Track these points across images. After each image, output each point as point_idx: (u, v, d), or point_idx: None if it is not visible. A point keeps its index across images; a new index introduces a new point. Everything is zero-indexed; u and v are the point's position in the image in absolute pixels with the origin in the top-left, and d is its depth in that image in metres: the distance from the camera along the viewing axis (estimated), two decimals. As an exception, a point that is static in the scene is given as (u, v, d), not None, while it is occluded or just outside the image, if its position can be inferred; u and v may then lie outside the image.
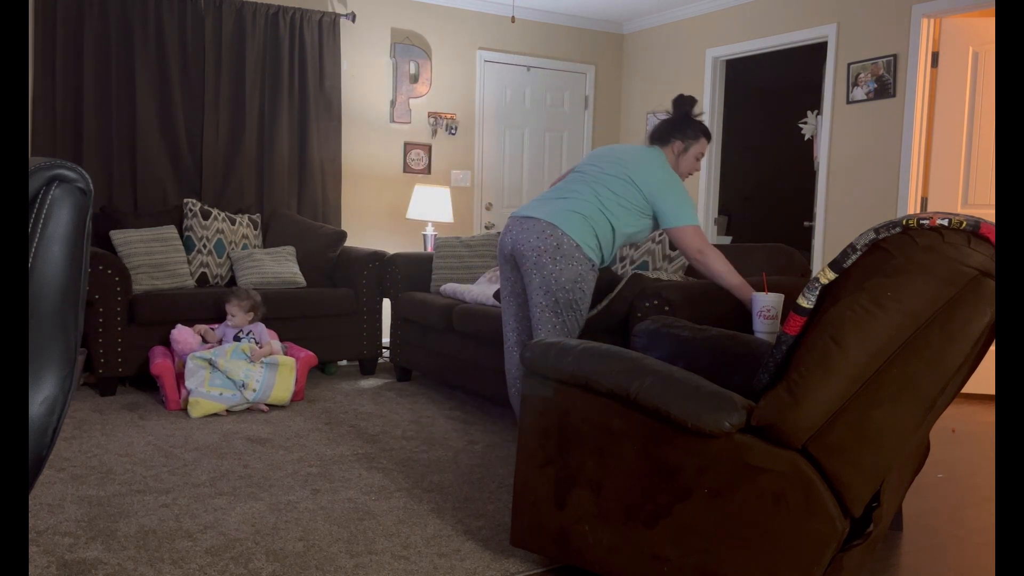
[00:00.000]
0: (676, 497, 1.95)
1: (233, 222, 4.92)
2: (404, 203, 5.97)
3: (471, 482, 3.03)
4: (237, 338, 4.15)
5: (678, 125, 3.12)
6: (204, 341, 4.12)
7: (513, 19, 4.69)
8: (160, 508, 2.70)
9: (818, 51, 6.05)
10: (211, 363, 3.87)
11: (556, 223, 2.92)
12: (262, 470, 3.11)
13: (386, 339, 5.73)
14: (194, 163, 5.16)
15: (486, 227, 6.34)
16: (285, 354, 4.19)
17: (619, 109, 6.87)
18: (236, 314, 4.19)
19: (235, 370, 3.88)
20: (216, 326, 4.24)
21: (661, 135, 3.13)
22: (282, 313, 4.54)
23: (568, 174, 3.16)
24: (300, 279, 4.82)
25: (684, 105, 3.15)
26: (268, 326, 4.42)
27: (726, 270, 2.99)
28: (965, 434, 3.96)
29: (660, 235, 3.94)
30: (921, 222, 1.78)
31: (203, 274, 4.72)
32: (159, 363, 3.95)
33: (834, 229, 5.15)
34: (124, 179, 4.95)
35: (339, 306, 4.73)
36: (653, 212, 3.05)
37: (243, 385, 3.89)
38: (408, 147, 5.95)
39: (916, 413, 1.74)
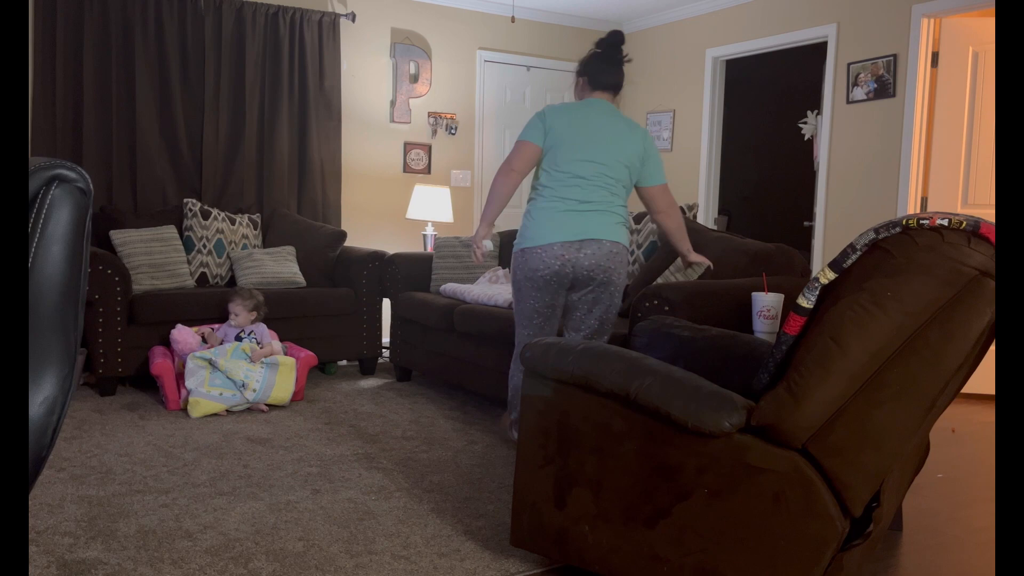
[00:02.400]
0: (676, 497, 1.95)
1: (233, 222, 4.92)
2: (404, 203, 5.97)
3: (471, 482, 3.03)
4: (239, 338, 4.15)
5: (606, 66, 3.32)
6: (204, 342, 4.12)
7: (513, 19, 4.70)
8: (160, 508, 2.70)
9: (818, 51, 6.05)
10: (211, 363, 3.87)
11: (620, 240, 3.15)
12: (262, 470, 3.11)
13: (386, 339, 5.73)
14: (194, 163, 5.16)
15: (486, 227, 6.33)
16: (285, 354, 4.19)
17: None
18: (240, 313, 4.18)
19: (235, 370, 3.88)
20: (217, 327, 4.24)
21: (610, 85, 3.34)
22: (282, 313, 4.53)
23: (570, 179, 3.14)
24: (300, 279, 4.82)
25: (605, 44, 3.32)
26: (268, 326, 4.41)
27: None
28: (965, 434, 3.96)
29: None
30: (921, 222, 1.78)
31: (203, 274, 4.72)
32: (159, 363, 3.95)
33: (834, 229, 5.15)
34: (124, 179, 4.95)
35: (339, 306, 4.73)
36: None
37: (243, 385, 3.89)
38: (408, 147, 5.95)
39: (916, 413, 1.74)
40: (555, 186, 3.10)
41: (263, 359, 3.97)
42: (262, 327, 4.24)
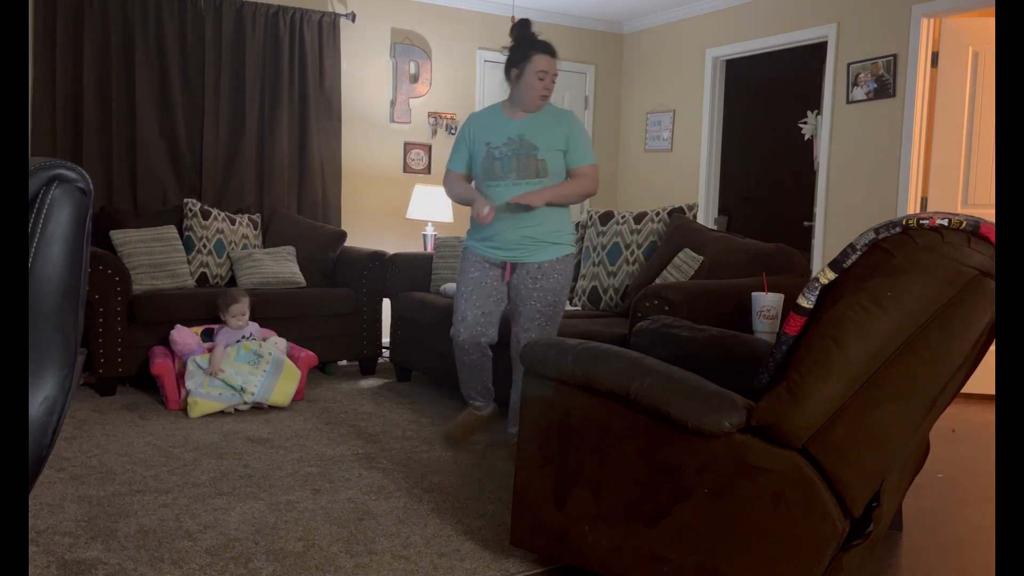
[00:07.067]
0: (676, 497, 1.95)
1: (233, 222, 4.92)
2: (404, 203, 5.97)
3: (471, 482, 3.03)
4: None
5: (510, 57, 3.31)
6: (203, 340, 4.10)
7: (513, 19, 4.70)
8: (160, 508, 2.70)
9: (818, 51, 6.05)
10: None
11: None
12: (262, 470, 3.11)
13: (386, 339, 5.73)
14: (194, 163, 5.16)
15: (486, 227, 6.32)
16: (288, 352, 4.19)
17: (619, 109, 6.87)
18: (247, 312, 4.15)
19: (234, 377, 3.86)
20: (217, 328, 4.20)
21: (506, 73, 3.33)
22: (282, 313, 4.53)
23: None
24: (300, 279, 4.82)
25: (515, 31, 3.37)
26: (268, 326, 4.41)
27: None
28: (965, 434, 3.96)
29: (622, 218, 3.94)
30: (921, 222, 1.78)
31: (203, 274, 4.72)
32: (159, 363, 3.95)
33: (834, 229, 5.15)
34: (124, 179, 4.95)
35: (339, 306, 4.73)
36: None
37: (242, 389, 3.88)
38: (408, 147, 5.95)
39: (916, 413, 1.74)
40: None
41: (267, 361, 3.95)
42: (253, 325, 4.21)
